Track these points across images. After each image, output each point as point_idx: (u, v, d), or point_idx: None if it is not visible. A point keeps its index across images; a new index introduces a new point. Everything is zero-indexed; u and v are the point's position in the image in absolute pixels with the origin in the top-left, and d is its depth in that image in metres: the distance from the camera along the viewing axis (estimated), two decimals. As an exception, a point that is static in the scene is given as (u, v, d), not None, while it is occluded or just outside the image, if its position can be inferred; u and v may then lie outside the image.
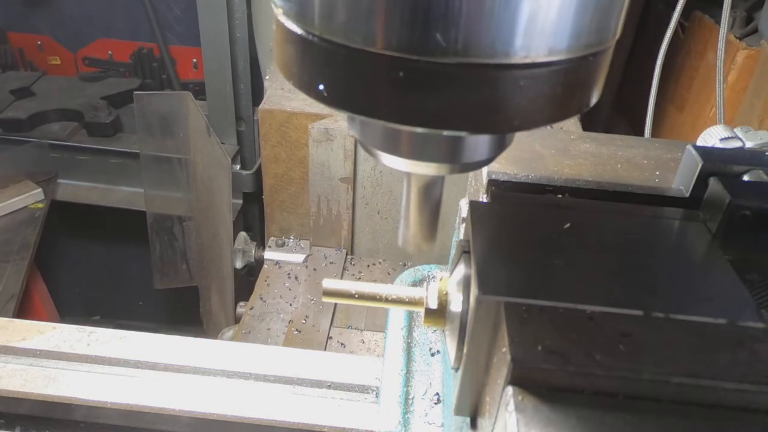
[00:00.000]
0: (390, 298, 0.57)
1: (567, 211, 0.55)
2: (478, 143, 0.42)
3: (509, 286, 0.44)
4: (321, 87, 0.36)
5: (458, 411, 0.50)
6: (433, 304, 0.55)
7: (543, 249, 0.49)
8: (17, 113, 2.41)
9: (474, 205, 0.54)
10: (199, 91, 2.38)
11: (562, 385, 0.38)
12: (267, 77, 1.98)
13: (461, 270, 0.50)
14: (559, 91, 0.35)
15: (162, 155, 2.20)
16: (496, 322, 0.43)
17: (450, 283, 0.54)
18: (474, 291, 0.44)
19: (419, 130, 0.37)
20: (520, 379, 0.38)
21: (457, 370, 0.50)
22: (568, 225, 0.52)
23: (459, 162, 0.42)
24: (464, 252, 0.50)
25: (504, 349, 0.40)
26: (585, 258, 0.49)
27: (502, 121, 0.35)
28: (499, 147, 0.43)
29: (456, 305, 0.50)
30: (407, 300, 0.57)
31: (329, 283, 0.58)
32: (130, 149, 2.32)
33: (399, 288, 0.58)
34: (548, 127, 1.15)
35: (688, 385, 0.38)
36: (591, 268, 0.48)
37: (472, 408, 0.50)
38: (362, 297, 0.57)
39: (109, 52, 2.85)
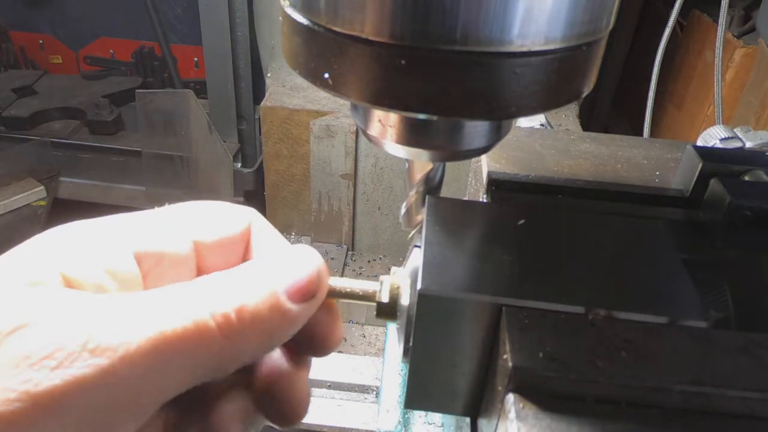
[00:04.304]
0: (343, 292, 0.56)
1: (564, 212, 0.54)
2: (476, 130, 0.42)
3: (455, 280, 0.43)
4: (326, 75, 0.37)
5: (408, 404, 0.49)
6: (386, 298, 0.53)
7: (527, 250, 0.48)
8: (19, 111, 2.42)
9: (431, 201, 0.52)
10: (200, 90, 2.38)
11: (563, 393, 0.38)
12: (268, 75, 1.97)
13: (411, 263, 0.49)
14: (554, 79, 0.36)
15: (163, 153, 2.21)
16: (494, 327, 0.43)
17: (402, 276, 0.53)
18: (418, 285, 0.43)
19: (420, 116, 0.38)
20: (521, 387, 0.38)
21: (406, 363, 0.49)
22: (522, 221, 0.49)
23: (458, 149, 0.43)
24: (415, 246, 0.49)
25: (505, 356, 0.39)
26: (584, 260, 0.48)
27: (499, 108, 0.36)
28: (497, 135, 0.44)
29: (405, 299, 0.49)
30: (360, 294, 0.55)
31: None
32: (132, 147, 2.33)
33: (351, 281, 0.56)
34: (548, 127, 1.14)
35: (692, 393, 0.37)
36: (591, 271, 0.47)
37: (421, 402, 0.48)
38: None
39: (111, 50, 2.85)
